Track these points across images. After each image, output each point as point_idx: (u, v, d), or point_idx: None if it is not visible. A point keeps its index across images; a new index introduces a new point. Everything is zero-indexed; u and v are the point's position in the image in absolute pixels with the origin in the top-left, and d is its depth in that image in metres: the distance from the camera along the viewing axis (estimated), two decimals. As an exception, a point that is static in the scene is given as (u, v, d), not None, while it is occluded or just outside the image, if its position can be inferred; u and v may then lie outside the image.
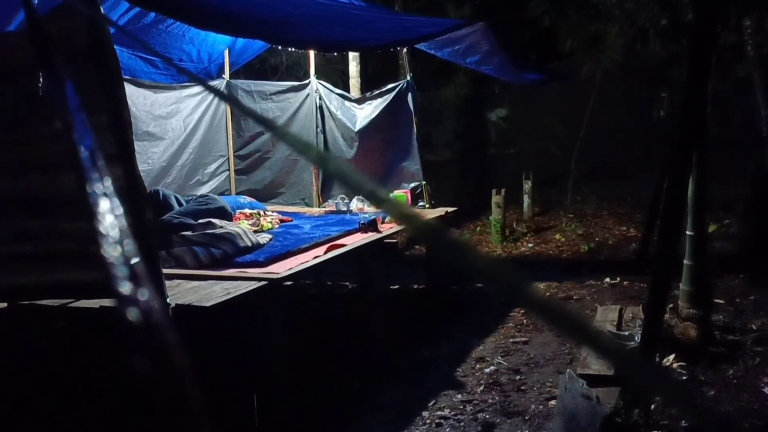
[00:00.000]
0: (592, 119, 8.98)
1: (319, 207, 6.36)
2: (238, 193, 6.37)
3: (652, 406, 3.18)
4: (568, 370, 3.47)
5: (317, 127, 6.44)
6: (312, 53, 6.47)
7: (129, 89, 4.23)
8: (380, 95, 6.33)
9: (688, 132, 3.26)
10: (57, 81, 0.83)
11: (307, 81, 6.53)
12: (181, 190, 5.72)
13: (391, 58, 9.35)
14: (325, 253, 4.12)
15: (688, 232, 4.13)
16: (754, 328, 4.39)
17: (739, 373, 3.72)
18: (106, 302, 2.76)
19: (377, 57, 10.26)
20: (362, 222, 4.92)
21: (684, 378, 3.67)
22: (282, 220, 5.29)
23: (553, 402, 3.50)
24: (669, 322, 4.06)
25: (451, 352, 4.49)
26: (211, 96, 6.32)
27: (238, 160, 6.66)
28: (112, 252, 0.55)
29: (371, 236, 4.73)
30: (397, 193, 6.04)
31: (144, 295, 0.51)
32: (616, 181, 9.38)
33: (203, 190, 6.16)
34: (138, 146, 4.83)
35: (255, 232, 4.39)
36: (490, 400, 3.68)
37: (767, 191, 5.80)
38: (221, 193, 6.13)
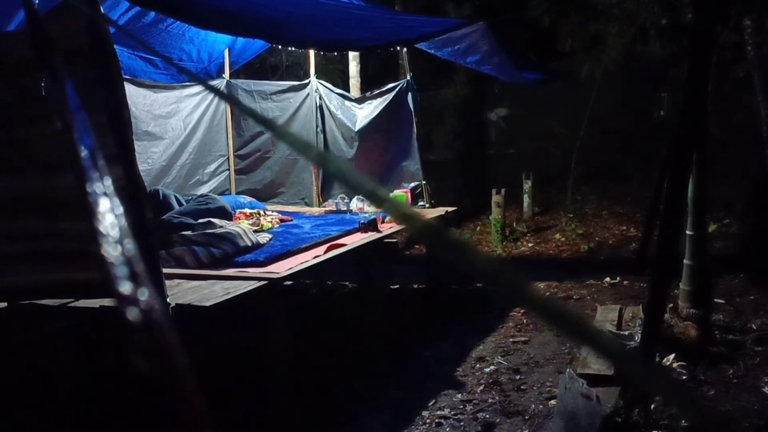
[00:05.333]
0: (592, 119, 8.98)
1: (319, 207, 6.36)
2: (238, 193, 6.37)
3: (652, 406, 3.18)
4: (568, 370, 3.46)
5: (317, 126, 6.44)
6: (312, 53, 6.47)
7: (129, 89, 4.23)
8: (380, 95, 6.33)
9: (688, 132, 3.26)
10: (57, 81, 0.83)
11: (307, 81, 6.53)
12: (181, 190, 5.72)
13: (391, 58, 9.34)
14: (325, 252, 4.12)
15: (688, 232, 4.13)
16: (754, 328, 4.39)
17: (739, 373, 3.72)
18: (106, 302, 2.76)
19: (377, 57, 10.25)
20: (362, 222, 4.92)
21: (684, 378, 3.67)
22: (282, 220, 5.29)
23: (553, 402, 3.50)
24: (669, 322, 4.06)
25: (451, 352, 4.49)
26: (211, 96, 6.32)
27: (238, 160, 6.66)
28: (112, 252, 0.55)
29: (371, 236, 4.73)
30: (397, 192, 6.04)
31: (144, 295, 0.51)
32: (616, 181, 9.38)
33: (203, 189, 6.16)
34: (138, 146, 4.82)
35: (255, 231, 4.39)
36: (490, 400, 3.68)
37: (767, 191, 5.80)
38: (221, 193, 6.13)
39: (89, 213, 0.59)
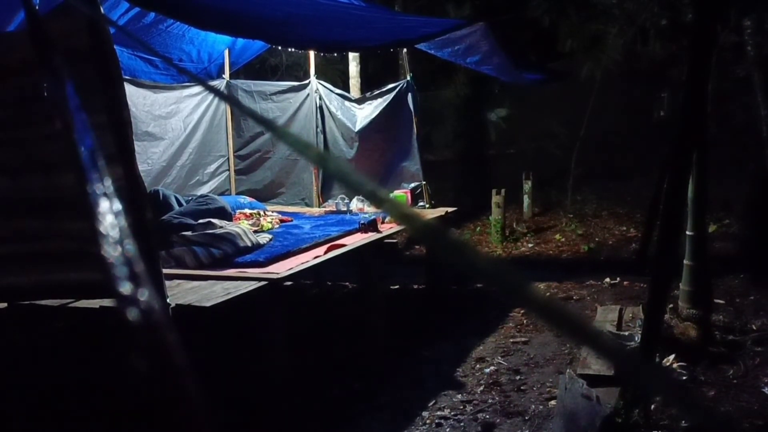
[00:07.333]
0: (592, 119, 8.98)
1: (319, 207, 6.36)
2: (238, 193, 6.37)
3: (652, 406, 3.18)
4: (568, 370, 3.47)
5: (317, 127, 6.44)
6: (312, 53, 6.47)
7: (129, 89, 4.23)
8: (380, 95, 6.33)
9: (688, 132, 3.26)
10: (57, 81, 0.83)
11: (307, 81, 6.53)
12: (181, 190, 5.72)
13: (391, 58, 9.34)
14: (325, 253, 4.12)
15: (688, 232, 4.13)
16: (754, 328, 4.39)
17: (739, 373, 3.72)
18: (106, 302, 2.76)
19: (377, 57, 10.26)
20: (362, 222, 4.92)
21: (684, 378, 3.67)
22: (282, 220, 5.29)
23: (553, 402, 3.50)
24: (669, 322, 4.06)
25: (451, 352, 4.49)
26: (211, 96, 6.32)
27: (238, 160, 6.66)
28: (112, 252, 0.55)
29: (371, 236, 4.73)
30: (397, 193, 6.04)
31: (144, 295, 0.51)
32: (616, 181, 9.38)
33: (203, 190, 6.15)
34: (138, 146, 4.82)
35: (255, 232, 4.39)
36: (490, 400, 3.68)
37: (767, 191, 5.80)
38: (221, 193, 6.13)
39: (89, 213, 0.59)
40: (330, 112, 6.47)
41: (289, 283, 4.26)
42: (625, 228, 7.89)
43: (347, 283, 6.30)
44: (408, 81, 6.16)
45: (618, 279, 6.04)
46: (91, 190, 0.61)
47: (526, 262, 7.20)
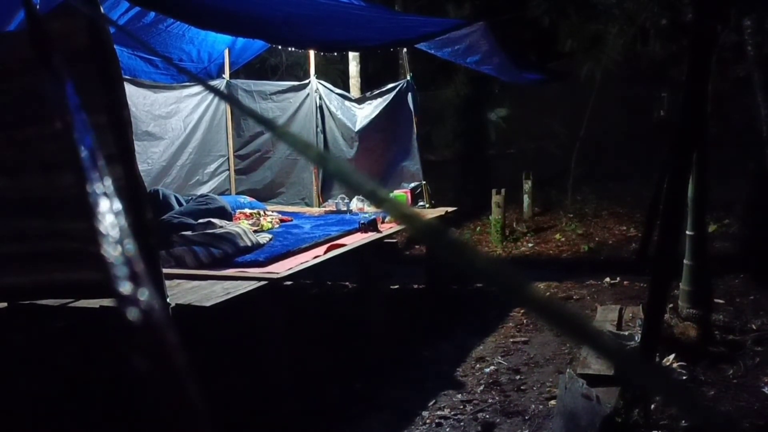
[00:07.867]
0: (592, 119, 8.98)
1: (319, 207, 6.36)
2: (238, 193, 6.37)
3: (652, 406, 3.18)
4: (568, 370, 3.46)
5: (317, 127, 6.44)
6: (312, 53, 6.47)
7: (129, 89, 4.23)
8: (380, 95, 6.33)
9: (688, 132, 3.26)
10: (57, 81, 0.83)
11: (307, 81, 6.53)
12: (181, 190, 5.72)
13: (391, 58, 9.35)
14: (325, 253, 4.12)
15: (688, 232, 4.13)
16: (754, 328, 4.39)
17: (739, 373, 3.72)
18: (106, 302, 2.76)
19: (377, 57, 10.26)
20: (362, 222, 4.92)
21: (684, 378, 3.67)
22: (282, 220, 5.29)
23: (553, 402, 3.50)
24: (669, 322, 4.06)
25: (451, 352, 4.49)
26: (211, 96, 6.32)
27: (238, 160, 6.66)
28: (112, 252, 0.55)
29: (371, 236, 4.73)
30: (397, 193, 6.04)
31: (144, 295, 0.51)
32: (616, 181, 9.38)
33: (203, 190, 6.16)
34: (138, 146, 4.82)
35: (255, 232, 4.39)
36: (490, 400, 3.68)
37: (767, 191, 5.80)
38: (221, 193, 6.13)
39: (89, 213, 0.59)
40: (330, 111, 6.47)
41: (289, 283, 4.26)
42: (625, 228, 7.89)
43: (347, 283, 6.29)
44: (408, 81, 6.16)
45: (618, 279, 6.04)
46: (91, 190, 0.61)
47: (526, 262, 7.20)
